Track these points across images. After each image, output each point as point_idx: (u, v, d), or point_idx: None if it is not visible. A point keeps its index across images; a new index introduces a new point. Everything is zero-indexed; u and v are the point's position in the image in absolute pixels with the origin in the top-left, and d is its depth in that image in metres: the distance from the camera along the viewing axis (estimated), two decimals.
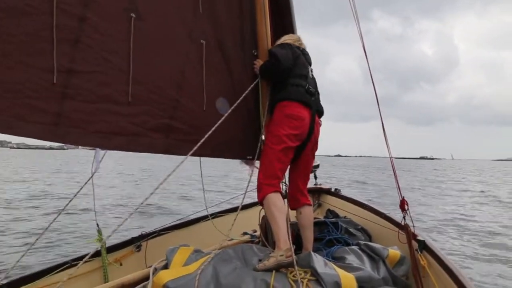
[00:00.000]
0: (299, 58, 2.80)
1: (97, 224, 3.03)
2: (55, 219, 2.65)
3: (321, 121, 2.87)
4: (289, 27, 3.45)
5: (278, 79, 2.78)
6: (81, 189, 2.82)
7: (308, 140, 2.69)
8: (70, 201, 2.70)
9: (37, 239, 2.56)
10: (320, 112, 2.82)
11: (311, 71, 2.88)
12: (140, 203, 2.23)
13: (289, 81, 2.71)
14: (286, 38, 2.96)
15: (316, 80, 2.94)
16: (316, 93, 2.81)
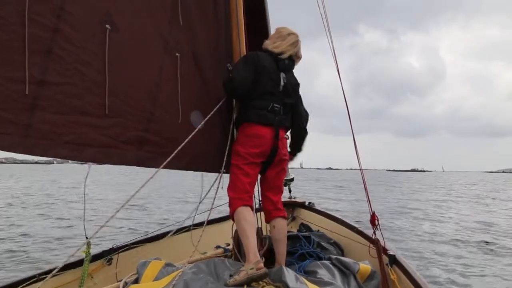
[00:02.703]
0: (264, 72, 2.68)
1: (86, 236, 2.94)
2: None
3: (287, 135, 2.86)
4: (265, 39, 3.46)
5: (236, 99, 2.83)
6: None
7: (273, 156, 2.70)
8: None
9: None
10: (286, 127, 2.83)
11: (286, 78, 2.77)
12: (119, 208, 2.20)
13: (250, 103, 2.69)
14: (270, 42, 2.86)
15: (299, 87, 2.91)
16: (283, 108, 2.74)
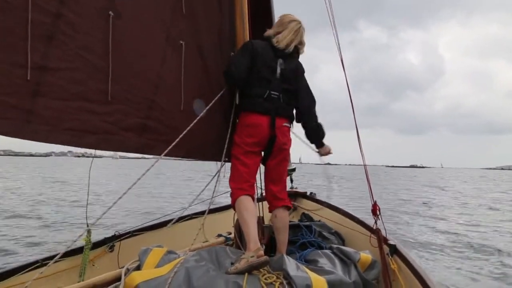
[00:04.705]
0: (259, 59, 2.66)
1: (87, 224, 2.95)
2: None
3: (286, 124, 2.76)
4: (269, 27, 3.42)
5: (236, 87, 2.83)
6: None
7: (271, 145, 2.68)
8: None
9: None
10: (286, 116, 2.75)
11: (283, 64, 2.73)
12: (119, 197, 2.23)
13: (247, 92, 2.69)
14: (272, 31, 2.84)
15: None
16: (283, 96, 2.70)
